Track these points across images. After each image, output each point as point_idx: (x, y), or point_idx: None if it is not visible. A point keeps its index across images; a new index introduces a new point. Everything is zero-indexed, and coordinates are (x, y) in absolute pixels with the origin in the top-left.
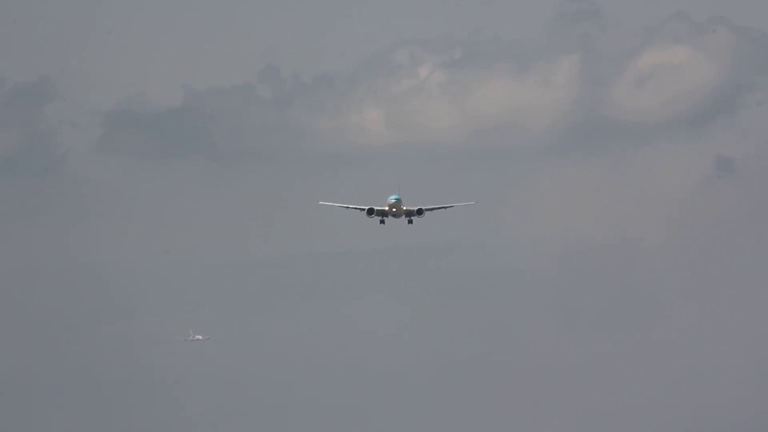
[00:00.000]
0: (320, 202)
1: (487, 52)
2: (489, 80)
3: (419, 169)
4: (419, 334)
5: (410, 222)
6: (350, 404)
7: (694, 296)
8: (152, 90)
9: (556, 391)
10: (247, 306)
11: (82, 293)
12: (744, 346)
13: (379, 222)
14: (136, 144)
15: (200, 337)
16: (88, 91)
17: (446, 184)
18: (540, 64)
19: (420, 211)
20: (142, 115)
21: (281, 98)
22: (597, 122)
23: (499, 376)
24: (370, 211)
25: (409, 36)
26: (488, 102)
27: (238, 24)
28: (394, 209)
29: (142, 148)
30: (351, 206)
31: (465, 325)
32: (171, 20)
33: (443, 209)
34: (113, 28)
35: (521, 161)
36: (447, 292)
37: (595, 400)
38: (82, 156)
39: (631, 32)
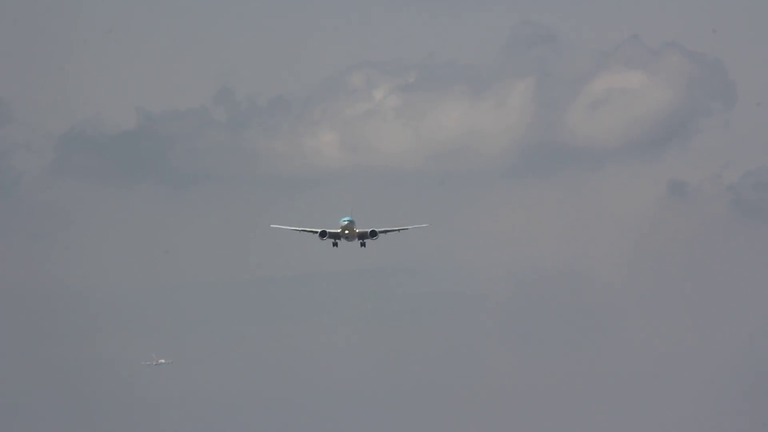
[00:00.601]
0: (272, 226)
1: (442, 76)
2: (444, 103)
3: (374, 192)
4: (371, 357)
5: (363, 245)
6: (306, 425)
7: (647, 318)
8: (106, 113)
9: (507, 415)
10: (202, 329)
11: (33, 315)
12: (698, 367)
13: (332, 245)
14: (90, 167)
15: (163, 360)
16: (42, 114)
17: (401, 207)
18: (495, 88)
19: (373, 233)
20: (96, 138)
21: (236, 121)
22: (552, 146)
23: (451, 398)
24: (323, 234)
25: (364, 59)
26: (443, 125)
27: (193, 47)
28: (346, 231)
29: (96, 171)
30: (303, 229)
31: (417, 348)
32: (126, 43)
33: (396, 232)
34: (67, 51)
35: (476, 185)
36: (400, 314)
37: (546, 424)
38: (36, 179)
39: (585, 56)
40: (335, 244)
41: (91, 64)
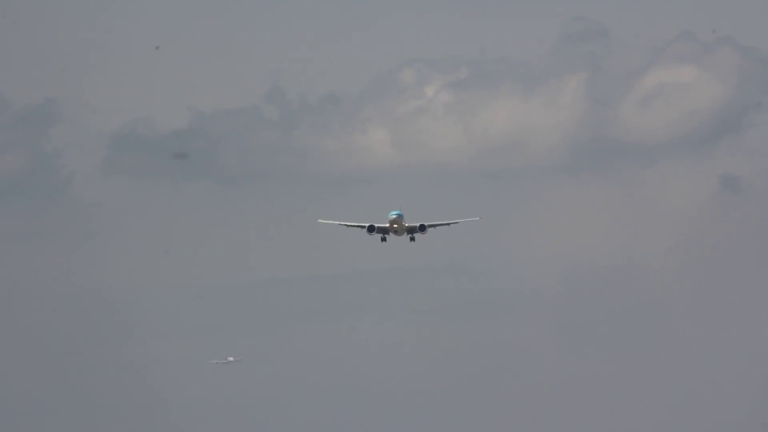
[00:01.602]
0: (319, 221)
1: (494, 72)
2: (495, 100)
3: (424, 189)
4: (423, 355)
5: (412, 239)
6: (358, 424)
7: (701, 315)
8: (158, 112)
9: (560, 412)
10: (254, 328)
11: (84, 316)
12: (750, 365)
13: (380, 240)
14: (142, 166)
15: (231, 358)
16: (93, 114)
17: (451, 204)
18: (546, 84)
19: (423, 228)
20: (148, 138)
21: (287, 120)
22: (603, 142)
23: (504, 396)
24: (371, 229)
25: (415, 55)
26: (494, 122)
27: (244, 45)
28: (395, 225)
29: (147, 171)
30: (351, 224)
31: (469, 345)
32: (177, 42)
33: (446, 226)
34: (120, 51)
35: (527, 181)
36: (451, 312)
37: (600, 421)
38: (88, 178)
39: (637, 52)
40: (384, 239)
41: (143, 63)
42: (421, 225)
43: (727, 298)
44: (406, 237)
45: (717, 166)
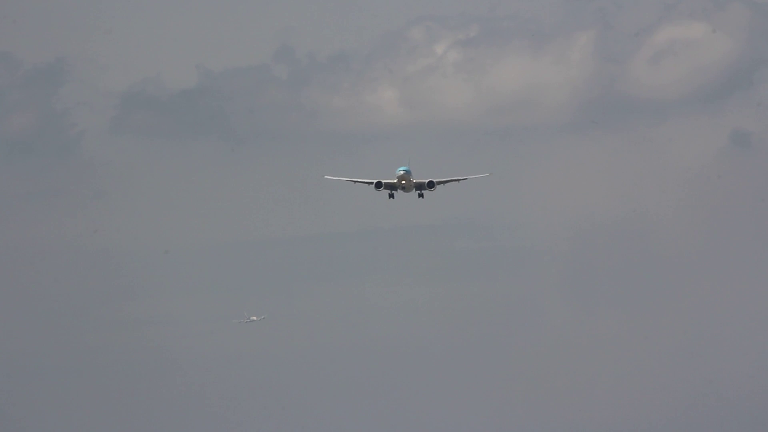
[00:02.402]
0: (326, 177)
1: (503, 30)
2: (505, 58)
3: (434, 147)
4: (431, 313)
5: (421, 196)
6: (371, 381)
7: (710, 271)
8: (167, 71)
9: (571, 369)
10: (264, 287)
11: (94, 274)
12: (759, 324)
13: (388, 196)
14: (151, 125)
15: (255, 317)
16: (103, 73)
17: (461, 162)
18: (556, 42)
19: (431, 184)
20: (157, 96)
21: (296, 78)
22: (613, 99)
23: (514, 353)
24: (378, 185)
25: (425, 13)
26: (504, 80)
27: (252, 4)
28: (403, 182)
29: (156, 129)
30: (358, 180)
31: (480, 302)
32: (185, 2)
33: (456, 182)
34: (128, 10)
35: (537, 139)
36: (461, 269)
37: (610, 377)
38: (97, 137)
39: (647, 8)
40: (392, 196)
41: (152, 22)
42: (429, 181)
43: (735, 253)
44: (414, 193)
45: (728, 122)
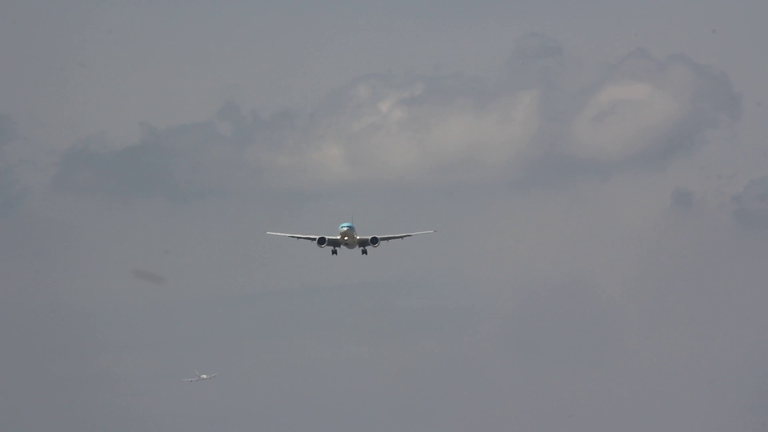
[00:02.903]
0: (268, 233)
1: (448, 88)
2: (449, 116)
3: (379, 205)
4: (374, 371)
5: (364, 252)
6: None
7: (654, 330)
8: (110, 129)
9: (512, 429)
10: (209, 345)
11: (38, 332)
12: (704, 378)
13: (331, 252)
14: (94, 183)
15: (206, 376)
16: (46, 130)
17: (405, 220)
18: (500, 100)
19: (374, 240)
20: (101, 154)
21: (241, 135)
22: (557, 158)
23: (457, 411)
24: (321, 241)
25: (369, 71)
26: (448, 138)
27: (197, 62)
28: (346, 238)
29: (99, 187)
30: (301, 236)
31: (422, 360)
32: (129, 58)
33: (399, 239)
34: (71, 68)
35: (481, 197)
36: (404, 327)
37: None
38: (40, 195)
39: (591, 69)
40: (335, 252)
41: (95, 80)
42: (373, 237)
43: (679, 311)
44: (358, 250)
45: (670, 182)
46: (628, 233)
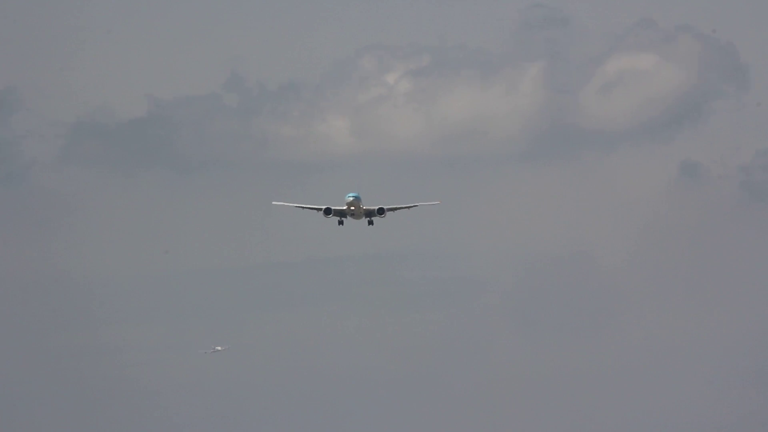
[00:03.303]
0: (274, 203)
1: (454, 59)
2: (455, 87)
3: (384, 176)
4: (378, 343)
5: (371, 223)
6: (322, 409)
7: (659, 302)
8: (116, 100)
9: (518, 400)
10: (216, 316)
11: (46, 303)
12: (706, 352)
13: (337, 223)
14: (100, 154)
15: (220, 348)
16: (52, 102)
17: (411, 191)
18: (506, 72)
19: (381, 211)
20: (106, 126)
21: (246, 107)
22: (563, 129)
23: (462, 382)
24: (327, 211)
25: (375, 42)
26: (454, 110)
27: (203, 33)
28: (352, 208)
29: (106, 159)
30: (307, 206)
31: (428, 331)
32: (135, 30)
33: (406, 209)
34: (77, 39)
35: (487, 169)
36: (410, 298)
37: (556, 408)
38: (46, 166)
39: (597, 39)
40: (341, 222)
41: (101, 52)
42: (379, 208)
43: (684, 283)
44: (364, 221)
45: (677, 153)
46: (635, 204)
